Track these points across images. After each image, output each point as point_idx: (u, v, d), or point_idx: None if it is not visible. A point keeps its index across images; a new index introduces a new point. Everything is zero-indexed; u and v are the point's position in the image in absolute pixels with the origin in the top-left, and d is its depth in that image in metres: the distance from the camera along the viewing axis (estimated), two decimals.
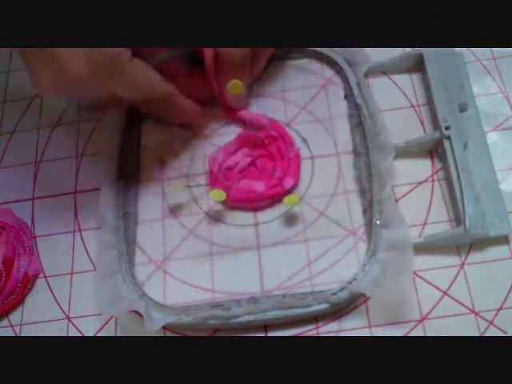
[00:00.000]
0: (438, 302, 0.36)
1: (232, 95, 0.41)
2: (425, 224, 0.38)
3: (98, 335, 0.38)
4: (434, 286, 0.37)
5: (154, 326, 0.35)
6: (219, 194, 0.39)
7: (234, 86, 0.40)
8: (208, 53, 0.40)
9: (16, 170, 0.45)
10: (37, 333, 0.39)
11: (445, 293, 0.37)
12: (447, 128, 0.38)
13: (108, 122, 0.44)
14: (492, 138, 0.40)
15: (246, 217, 0.40)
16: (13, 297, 0.40)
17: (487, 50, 0.43)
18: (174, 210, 0.41)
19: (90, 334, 0.38)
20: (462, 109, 0.39)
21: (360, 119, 0.41)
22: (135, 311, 0.37)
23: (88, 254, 0.41)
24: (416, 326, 0.36)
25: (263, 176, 0.40)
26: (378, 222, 0.37)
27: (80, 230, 0.42)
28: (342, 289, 0.36)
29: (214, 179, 0.41)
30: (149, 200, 0.42)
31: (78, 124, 0.46)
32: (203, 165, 0.42)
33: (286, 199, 0.39)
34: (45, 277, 0.41)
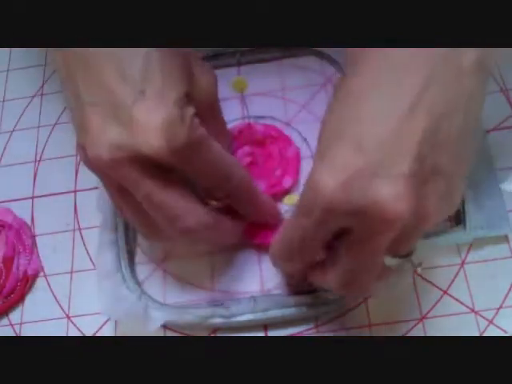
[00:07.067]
0: (437, 301, 0.36)
1: None
2: None
3: (98, 334, 0.38)
4: (433, 285, 0.37)
5: (153, 324, 0.35)
6: None
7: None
8: None
9: (16, 169, 0.45)
10: (37, 332, 0.39)
11: (445, 292, 0.37)
12: None
13: None
14: (492, 137, 0.40)
15: None
16: (12, 296, 0.40)
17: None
18: None
19: (90, 333, 0.38)
20: None
21: None
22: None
23: (88, 252, 0.41)
24: (416, 325, 0.36)
25: (263, 175, 0.40)
26: None
27: (80, 229, 0.42)
28: None
29: None
30: None
31: None
32: None
33: (286, 198, 0.39)
34: (45, 275, 0.41)
